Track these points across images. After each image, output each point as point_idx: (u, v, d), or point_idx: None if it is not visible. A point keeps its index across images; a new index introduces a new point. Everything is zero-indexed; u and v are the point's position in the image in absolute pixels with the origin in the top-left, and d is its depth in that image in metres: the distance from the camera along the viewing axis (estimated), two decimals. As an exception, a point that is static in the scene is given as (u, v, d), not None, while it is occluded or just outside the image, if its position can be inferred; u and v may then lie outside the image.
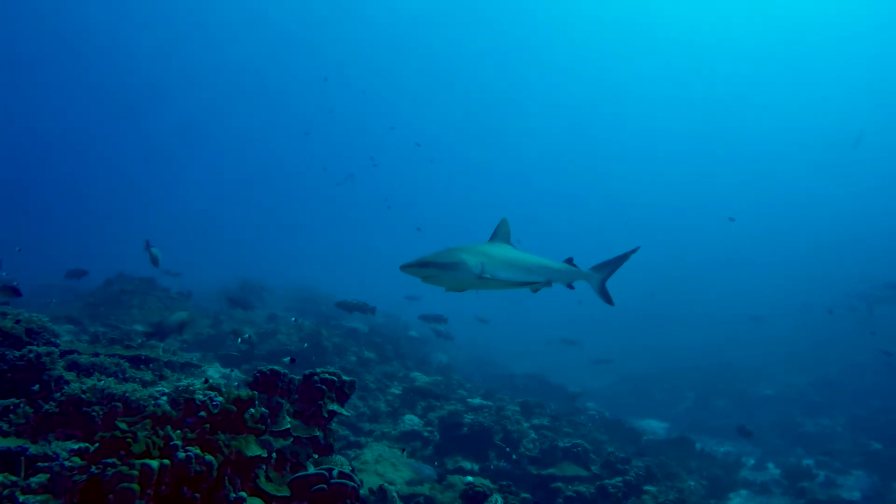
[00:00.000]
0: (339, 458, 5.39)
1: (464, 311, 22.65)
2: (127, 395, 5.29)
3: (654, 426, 19.69)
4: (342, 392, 5.41)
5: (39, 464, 4.18)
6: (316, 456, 4.94)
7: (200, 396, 4.09)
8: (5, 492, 3.61)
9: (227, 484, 3.69)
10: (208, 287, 24.17)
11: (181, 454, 3.41)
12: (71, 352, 7.02)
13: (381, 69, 65.86)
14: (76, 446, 4.41)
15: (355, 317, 16.94)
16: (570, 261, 7.34)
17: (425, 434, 10.42)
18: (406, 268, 5.60)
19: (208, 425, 3.86)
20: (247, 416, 4.09)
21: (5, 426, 4.78)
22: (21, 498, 3.55)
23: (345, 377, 5.47)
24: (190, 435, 3.70)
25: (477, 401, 13.08)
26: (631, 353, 30.62)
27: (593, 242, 42.53)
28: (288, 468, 4.58)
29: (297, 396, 5.21)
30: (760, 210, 66.31)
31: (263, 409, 4.31)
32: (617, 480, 9.32)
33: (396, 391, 12.77)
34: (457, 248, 5.97)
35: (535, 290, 6.84)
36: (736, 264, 64.12)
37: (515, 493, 7.92)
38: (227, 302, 16.33)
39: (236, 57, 64.41)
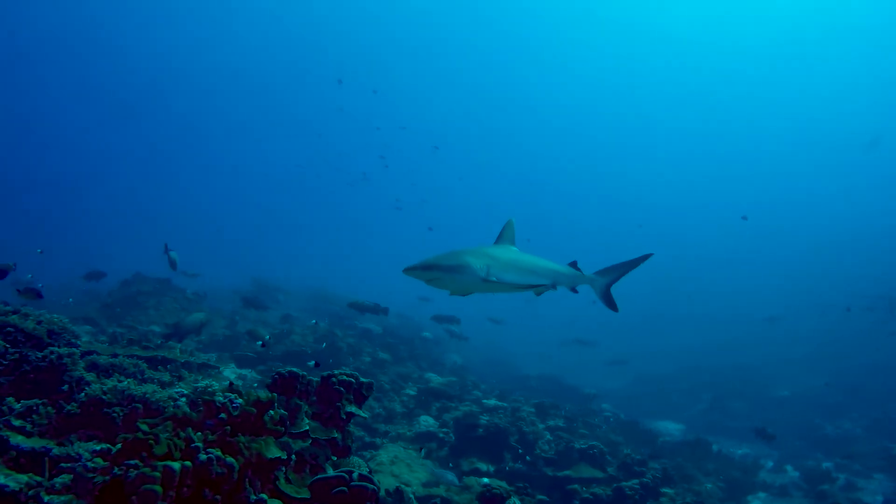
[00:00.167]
0: (356, 459, 5.40)
1: (477, 312, 22.62)
2: (147, 396, 5.33)
3: (670, 428, 19.52)
4: (360, 394, 5.41)
5: (63, 464, 4.22)
6: (335, 458, 4.94)
7: (220, 398, 4.10)
8: (31, 492, 3.65)
9: (248, 486, 3.71)
10: (222, 287, 24.29)
11: (203, 456, 3.42)
12: (90, 352, 7.09)
13: (385, 69, 65.95)
14: (98, 447, 4.46)
15: (369, 317, 16.97)
16: (574, 264, 7.21)
17: (440, 435, 10.41)
18: (409, 271, 5.46)
19: (229, 427, 3.87)
20: (266, 417, 4.10)
21: (28, 426, 4.83)
22: (46, 498, 3.58)
23: (362, 379, 5.47)
24: (211, 437, 3.71)
25: (492, 402, 13.05)
26: (645, 354, 30.42)
27: (604, 245, 42.38)
28: (307, 470, 4.58)
29: (315, 398, 5.21)
30: (777, 210, 65.63)
31: (282, 410, 4.32)
32: (634, 482, 9.26)
33: (411, 392, 12.77)
34: (461, 250, 5.88)
35: (538, 294, 6.71)
36: (749, 265, 63.62)
37: (532, 495, 7.89)
38: (241, 302, 16.41)
39: (248, 59, 64.86)
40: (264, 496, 3.78)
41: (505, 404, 12.87)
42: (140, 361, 7.22)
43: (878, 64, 59.44)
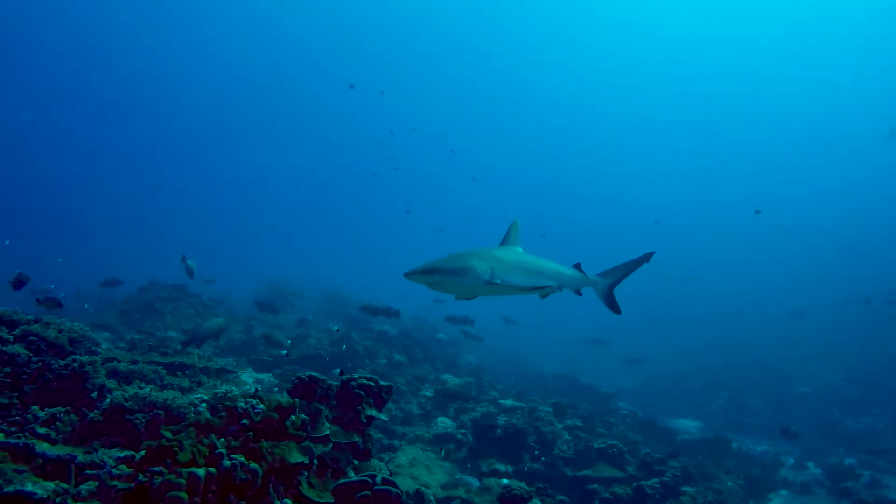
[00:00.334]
0: (377, 462, 5.39)
1: (490, 312, 22.57)
2: (168, 402, 5.37)
3: (688, 426, 19.36)
4: (380, 397, 5.41)
5: (88, 471, 4.26)
6: (356, 462, 4.94)
7: (242, 404, 4.13)
8: (58, 499, 3.68)
9: (272, 491, 3.72)
10: (237, 292, 24.45)
11: (226, 462, 3.43)
12: (110, 359, 7.16)
13: (391, 73, 66.07)
14: (122, 454, 4.50)
15: (384, 319, 17.00)
16: (577, 266, 7.12)
17: (458, 436, 10.39)
18: (410, 275, 5.33)
19: (251, 433, 3.89)
20: (288, 423, 4.11)
21: (53, 434, 4.88)
22: (72, 506, 3.61)
23: (382, 382, 5.47)
24: (234, 443, 3.73)
25: (509, 402, 13.02)
26: (660, 352, 30.24)
27: (609, 245, 42.08)
28: (329, 474, 4.58)
29: (335, 402, 5.22)
30: (793, 205, 65.08)
31: (304, 415, 4.32)
32: (654, 482, 9.19)
33: (428, 393, 12.76)
34: (464, 252, 5.77)
35: (544, 296, 6.60)
36: (764, 261, 63.08)
37: (552, 496, 7.84)
38: (255, 306, 16.49)
39: (259, 64, 65.36)
40: (288, 501, 3.79)
41: (522, 404, 12.83)
42: (159, 368, 7.29)
43: (884, 55, 58.68)
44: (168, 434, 3.73)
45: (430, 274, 5.33)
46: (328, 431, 4.81)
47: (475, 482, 7.88)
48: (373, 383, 5.33)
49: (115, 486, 3.47)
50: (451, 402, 11.99)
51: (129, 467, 3.67)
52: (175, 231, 62.55)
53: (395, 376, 13.23)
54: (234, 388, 6.60)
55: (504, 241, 6.70)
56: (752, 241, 63.73)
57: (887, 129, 52.61)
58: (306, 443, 4.35)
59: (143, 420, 5.13)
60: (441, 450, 9.24)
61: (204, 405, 5.59)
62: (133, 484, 3.33)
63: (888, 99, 60.18)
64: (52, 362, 5.70)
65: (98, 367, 5.89)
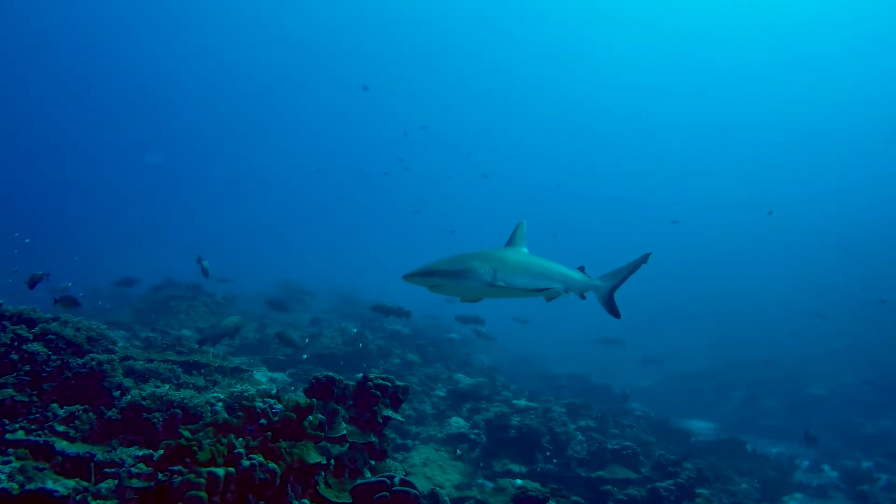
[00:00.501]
0: (392, 463, 5.39)
1: (501, 312, 22.52)
2: (185, 401, 5.39)
3: (702, 427, 19.23)
4: (396, 397, 5.41)
5: (106, 469, 4.29)
6: (372, 462, 4.94)
7: (260, 404, 4.13)
8: (78, 497, 3.71)
9: (290, 491, 3.72)
10: (250, 291, 24.56)
11: (245, 462, 3.44)
12: (126, 358, 7.21)
13: (400, 73, 66.21)
14: (140, 453, 4.53)
15: (396, 319, 17.01)
16: (581, 269, 7.01)
17: (472, 436, 10.36)
18: (408, 277, 5.12)
19: (269, 433, 3.89)
20: (306, 423, 4.11)
21: (72, 432, 4.91)
22: (93, 503, 3.63)
23: (398, 382, 5.46)
24: (252, 443, 3.73)
25: (523, 402, 12.97)
26: (673, 352, 30.01)
27: (622, 246, 41.80)
28: (346, 474, 4.58)
29: (351, 402, 5.22)
30: (808, 205, 64.50)
31: (321, 415, 4.32)
32: (668, 483, 9.12)
33: (441, 393, 12.76)
34: (466, 253, 5.56)
35: (549, 299, 6.43)
36: (779, 262, 62.51)
37: (566, 497, 7.80)
38: (268, 305, 16.57)
39: (271, 65, 65.73)
40: (306, 501, 3.79)
41: (536, 405, 12.78)
42: (175, 366, 7.32)
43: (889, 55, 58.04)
44: (187, 433, 3.74)
45: (429, 276, 5.14)
46: (345, 431, 4.81)
47: (489, 483, 7.85)
48: (389, 383, 5.32)
49: (135, 484, 3.50)
50: (465, 402, 11.97)
51: (147, 466, 3.69)
52: (189, 231, 63.14)
53: (408, 376, 13.24)
54: (249, 387, 6.62)
55: (509, 242, 6.52)
56: (764, 241, 63.23)
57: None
58: (323, 443, 4.35)
59: (161, 419, 5.16)
60: (455, 450, 9.21)
61: (220, 404, 5.60)
62: (152, 483, 3.34)
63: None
64: (70, 360, 5.75)
65: (115, 366, 5.92)
